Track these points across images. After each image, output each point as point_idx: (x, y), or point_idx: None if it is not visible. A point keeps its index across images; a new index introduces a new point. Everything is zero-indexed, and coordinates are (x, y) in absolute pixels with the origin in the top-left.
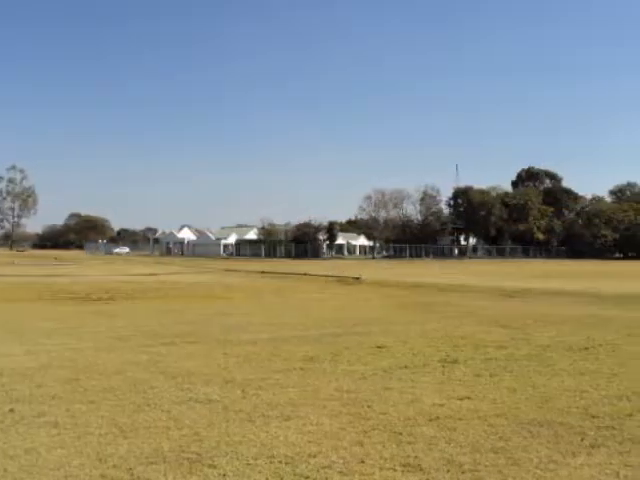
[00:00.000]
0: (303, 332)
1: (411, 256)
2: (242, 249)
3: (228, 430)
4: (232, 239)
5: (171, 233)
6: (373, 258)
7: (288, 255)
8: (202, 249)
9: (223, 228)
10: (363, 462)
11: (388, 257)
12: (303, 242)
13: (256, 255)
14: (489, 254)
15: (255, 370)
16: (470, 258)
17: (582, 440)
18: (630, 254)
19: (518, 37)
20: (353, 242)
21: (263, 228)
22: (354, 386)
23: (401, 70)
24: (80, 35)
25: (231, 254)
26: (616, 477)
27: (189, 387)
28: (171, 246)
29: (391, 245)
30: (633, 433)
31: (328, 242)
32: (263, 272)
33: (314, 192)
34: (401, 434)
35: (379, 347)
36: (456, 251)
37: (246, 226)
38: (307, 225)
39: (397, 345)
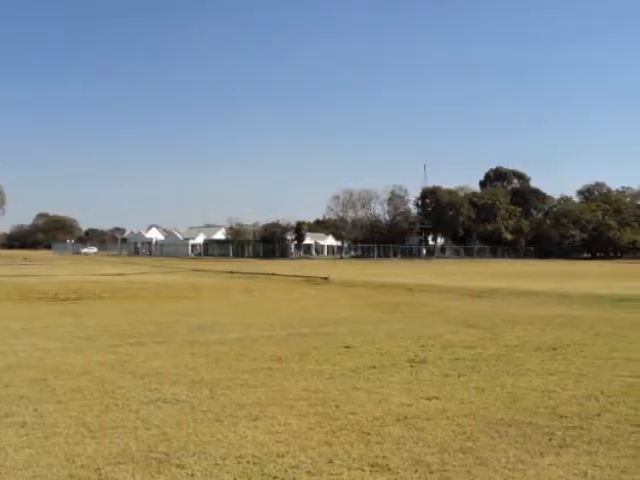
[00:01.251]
0: (271, 332)
1: (379, 256)
2: (210, 249)
3: (196, 430)
4: (200, 239)
5: (139, 233)
6: (341, 258)
7: (256, 255)
8: (170, 249)
9: (191, 228)
10: (331, 462)
11: (356, 257)
12: (271, 242)
13: (224, 255)
14: (457, 254)
15: (223, 370)
16: (438, 258)
17: (550, 440)
18: (598, 254)
19: (487, 36)
20: (321, 242)
21: (231, 228)
22: (322, 386)
23: (369, 71)
24: (42, 34)
25: (199, 254)
26: (584, 477)
27: (157, 387)
28: (139, 246)
29: (359, 245)
30: (601, 433)
31: (296, 242)
32: (231, 272)
33: (283, 192)
34: (369, 434)
35: (347, 347)
36: (424, 251)
37: (214, 226)
38: (275, 225)
39: (365, 345)
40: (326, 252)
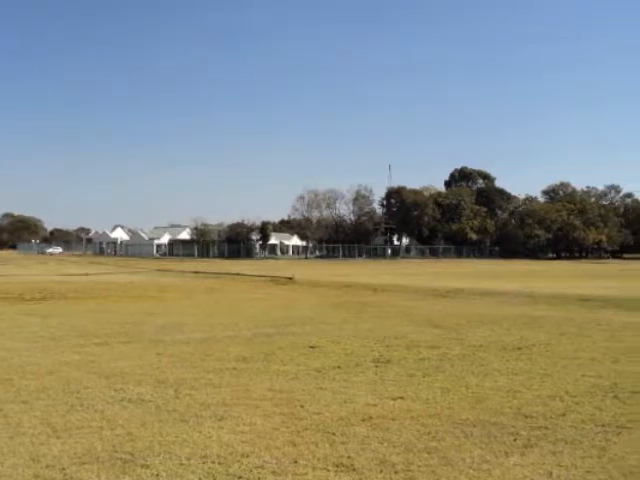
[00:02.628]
0: (236, 332)
1: (344, 256)
2: (175, 249)
3: (161, 430)
4: (165, 239)
5: (104, 233)
6: (306, 258)
7: (221, 255)
8: (135, 249)
9: (156, 228)
10: (296, 462)
11: (321, 257)
12: (236, 242)
13: (189, 255)
14: (422, 254)
15: (188, 370)
16: (403, 258)
17: (515, 440)
18: (563, 254)
19: (452, 36)
20: (286, 242)
21: (196, 228)
22: (287, 386)
23: (335, 71)
24: (11, 36)
25: (164, 254)
26: (549, 477)
27: (122, 387)
28: (104, 246)
29: (324, 245)
30: (566, 433)
31: (261, 242)
32: (196, 272)
33: (248, 192)
34: (334, 434)
35: (312, 347)
36: (389, 251)
37: (179, 226)
38: (240, 225)
39: (330, 345)
40: (291, 252)
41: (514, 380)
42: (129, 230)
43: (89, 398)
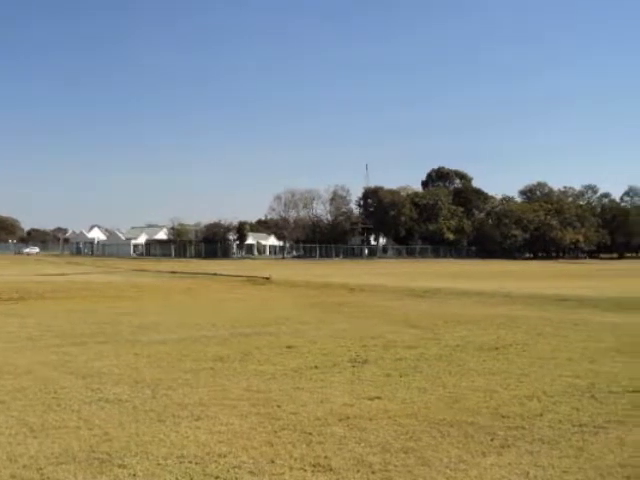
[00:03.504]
0: (213, 332)
1: (321, 256)
2: (152, 249)
3: (138, 430)
4: (142, 239)
5: (81, 233)
6: (283, 258)
7: (198, 255)
8: (112, 249)
9: (133, 228)
10: (273, 462)
11: (298, 257)
12: (213, 242)
13: (166, 255)
14: (399, 254)
15: (165, 370)
16: (380, 258)
17: (492, 440)
18: (540, 254)
19: (424, 37)
20: (263, 242)
21: (173, 228)
22: (264, 386)
23: (310, 70)
24: None
25: (141, 254)
26: (526, 477)
27: (99, 387)
28: (81, 246)
29: (301, 245)
30: (543, 433)
31: (238, 242)
32: (173, 272)
33: (226, 192)
34: (311, 434)
35: (289, 347)
36: (366, 251)
37: (156, 226)
38: (217, 225)
39: (307, 345)
40: (268, 252)
41: (491, 380)
42: (106, 230)
43: (66, 398)
